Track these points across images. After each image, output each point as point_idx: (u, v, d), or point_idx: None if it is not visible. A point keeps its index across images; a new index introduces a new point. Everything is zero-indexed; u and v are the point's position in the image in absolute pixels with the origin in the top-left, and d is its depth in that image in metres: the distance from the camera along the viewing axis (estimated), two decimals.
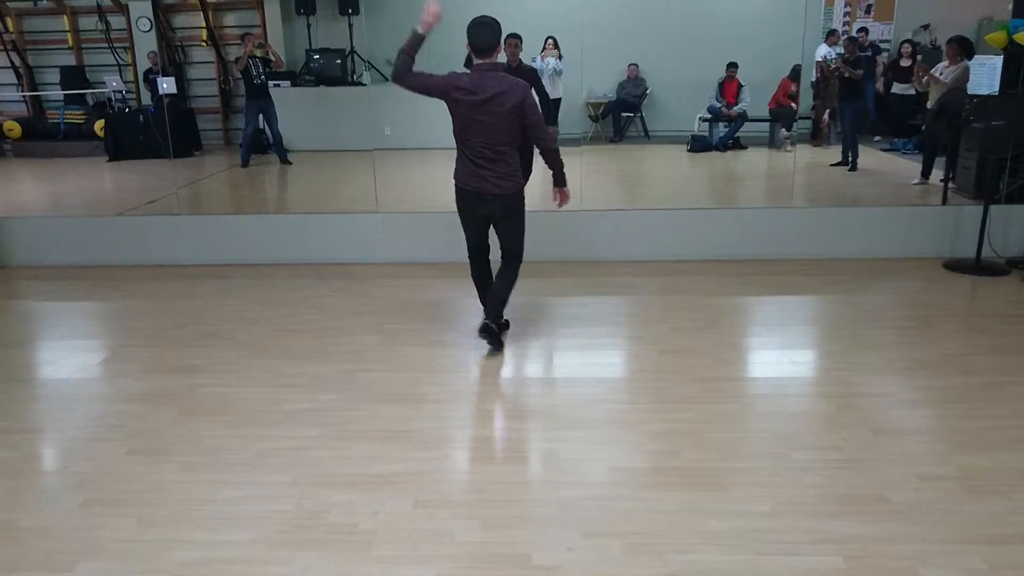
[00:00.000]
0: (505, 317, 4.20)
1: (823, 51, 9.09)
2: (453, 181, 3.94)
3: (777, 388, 3.70)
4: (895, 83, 9.17)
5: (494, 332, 3.98)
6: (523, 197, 3.97)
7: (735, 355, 4.14)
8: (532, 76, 6.69)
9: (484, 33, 3.70)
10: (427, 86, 3.74)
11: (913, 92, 8.86)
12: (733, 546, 2.49)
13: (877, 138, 9.69)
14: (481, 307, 4.19)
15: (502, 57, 6.37)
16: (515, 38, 6.47)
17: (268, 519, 2.69)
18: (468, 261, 4.20)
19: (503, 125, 3.70)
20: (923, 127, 7.85)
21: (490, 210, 3.90)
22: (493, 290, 4.08)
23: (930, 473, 2.89)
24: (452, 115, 3.77)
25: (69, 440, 3.32)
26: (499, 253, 4.10)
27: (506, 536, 2.58)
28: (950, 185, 6.43)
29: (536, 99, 3.78)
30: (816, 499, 2.74)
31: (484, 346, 4.10)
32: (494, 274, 4.16)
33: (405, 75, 3.71)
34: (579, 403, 3.54)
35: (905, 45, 9.28)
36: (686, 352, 4.09)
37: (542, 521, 2.65)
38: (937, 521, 2.60)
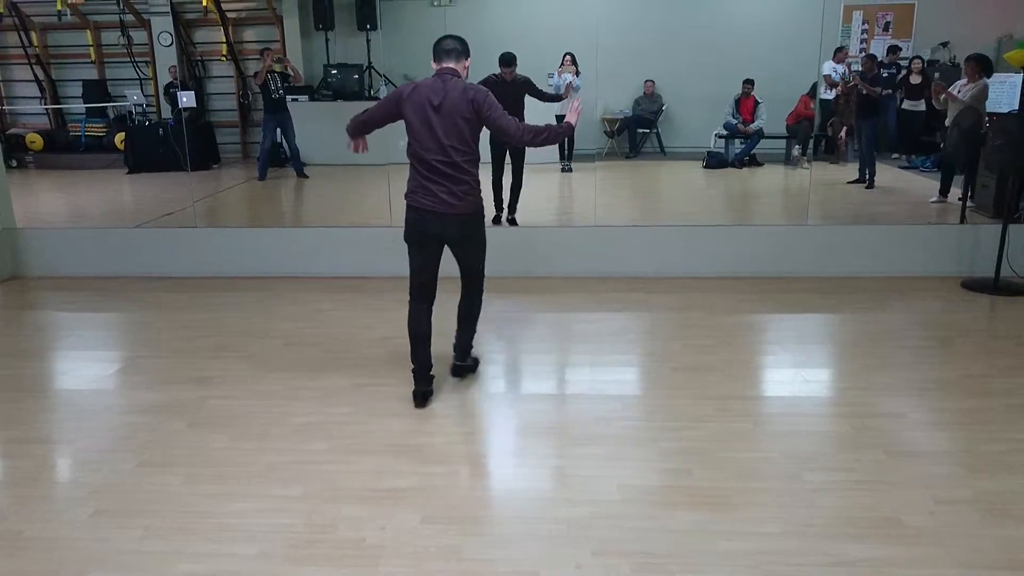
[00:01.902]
0: (474, 355, 3.98)
1: (828, 67, 9.10)
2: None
3: (791, 407, 3.65)
4: (905, 100, 9.14)
5: (465, 369, 3.94)
6: (483, 217, 3.61)
7: (749, 373, 4.10)
8: (526, 82, 6.77)
9: (446, 39, 3.45)
10: (376, 116, 3.56)
11: (923, 108, 8.82)
12: (744, 567, 2.46)
13: (895, 155, 9.64)
14: (411, 367, 3.68)
15: (480, 75, 6.49)
16: (509, 65, 6.54)
17: (276, 533, 2.68)
18: (408, 299, 3.70)
19: (456, 133, 3.34)
20: (942, 145, 7.80)
21: (443, 229, 3.48)
22: (460, 326, 3.83)
23: (946, 496, 2.84)
24: (407, 129, 3.45)
25: (80, 451, 3.33)
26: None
27: (514, 553, 2.56)
28: (968, 203, 6.38)
29: (493, 98, 3.38)
30: (829, 521, 2.70)
31: (494, 360, 4.11)
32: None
33: (355, 126, 3.65)
34: (590, 420, 3.51)
35: (916, 61, 9.25)
36: (699, 370, 4.06)
37: (551, 539, 2.63)
38: (953, 545, 2.55)
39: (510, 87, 6.45)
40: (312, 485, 2.98)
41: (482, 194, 3.57)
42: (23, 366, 4.33)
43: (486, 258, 3.74)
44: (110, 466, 3.16)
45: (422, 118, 3.36)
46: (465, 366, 3.93)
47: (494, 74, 6.57)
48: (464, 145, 3.38)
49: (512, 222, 6.87)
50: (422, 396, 3.67)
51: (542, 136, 3.45)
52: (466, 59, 3.47)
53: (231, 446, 3.32)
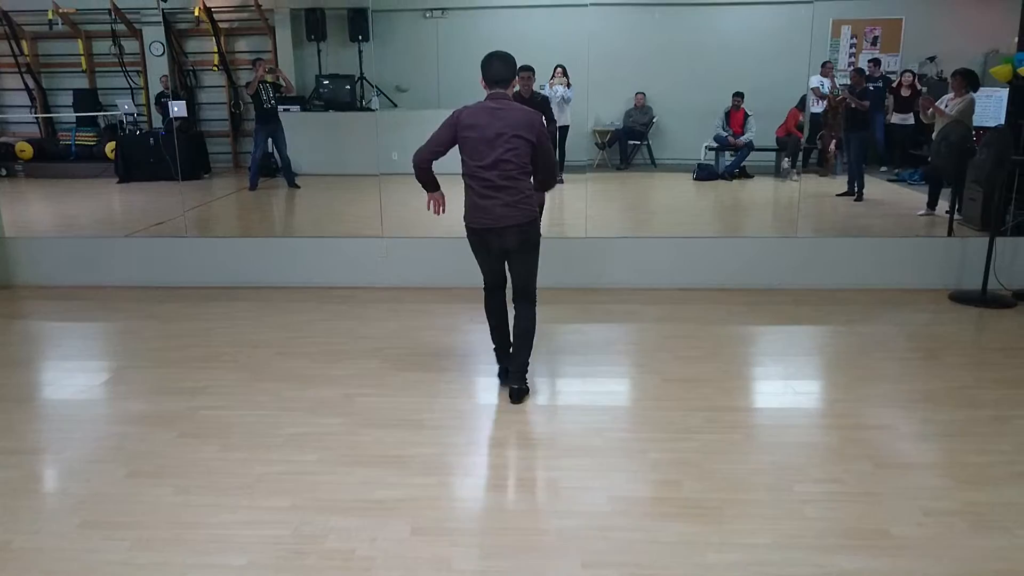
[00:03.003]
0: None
1: (816, 81, 9.18)
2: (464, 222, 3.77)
3: (780, 419, 3.67)
4: (895, 113, 9.22)
5: (524, 392, 3.84)
6: (537, 225, 3.76)
7: (738, 385, 4.11)
8: (544, 105, 6.72)
9: (498, 64, 3.64)
10: (437, 149, 3.65)
11: (912, 122, 8.90)
12: None
13: (883, 168, 9.71)
14: (492, 347, 4.04)
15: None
16: (528, 71, 6.51)
17: (265, 544, 2.67)
18: (483, 291, 3.99)
19: (513, 151, 3.55)
20: (928, 158, 7.88)
21: (503, 241, 3.67)
22: (515, 346, 3.87)
23: (934, 507, 2.86)
24: (461, 148, 3.65)
25: (68, 461, 3.31)
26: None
27: (504, 565, 2.56)
28: (956, 216, 6.44)
29: (547, 133, 3.69)
30: (818, 532, 2.71)
31: (486, 372, 4.12)
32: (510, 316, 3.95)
33: (423, 163, 3.68)
34: (580, 431, 3.52)
35: (906, 75, 9.34)
36: (689, 381, 4.07)
37: (541, 550, 2.63)
38: (941, 556, 2.57)
39: (529, 104, 6.34)
40: (302, 496, 2.98)
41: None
42: (12, 376, 4.30)
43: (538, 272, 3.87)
44: (99, 476, 3.15)
45: (479, 138, 3.55)
46: (522, 389, 3.83)
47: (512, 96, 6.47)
48: (519, 160, 3.57)
49: None
50: (506, 372, 3.90)
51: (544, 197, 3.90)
52: (515, 80, 3.78)
53: (221, 456, 3.30)
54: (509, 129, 3.54)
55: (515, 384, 3.82)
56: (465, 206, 3.73)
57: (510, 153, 3.55)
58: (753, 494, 2.97)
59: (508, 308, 3.94)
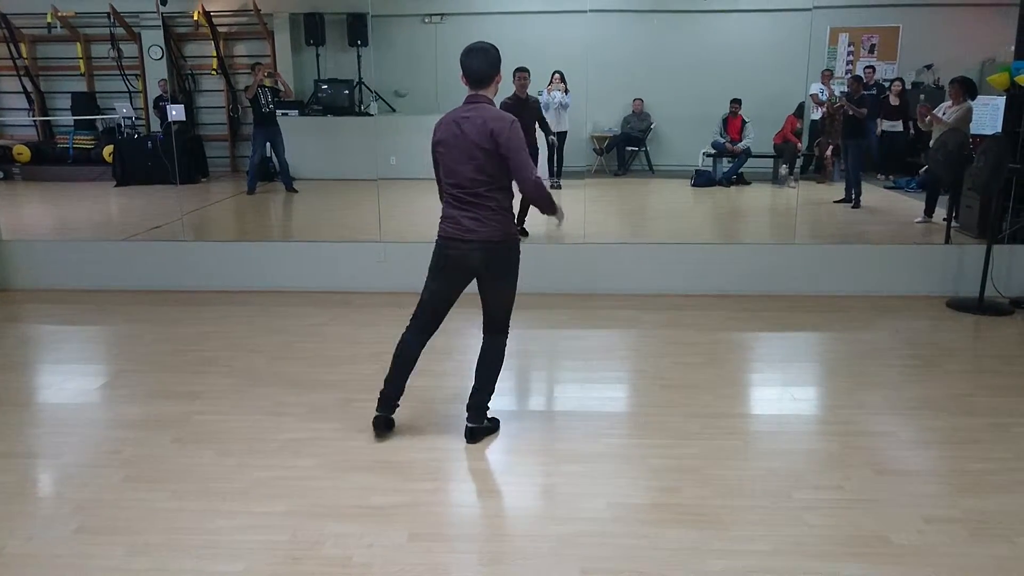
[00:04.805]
0: (493, 415, 3.56)
1: (816, 87, 9.22)
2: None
3: (779, 425, 3.66)
4: (884, 120, 9.25)
5: (481, 432, 3.49)
6: (513, 248, 3.34)
7: (737, 391, 4.11)
8: (535, 109, 6.72)
9: (474, 59, 3.21)
10: (438, 179, 3.39)
11: (900, 129, 8.95)
12: None
13: (880, 176, 9.73)
14: (380, 389, 3.51)
15: (511, 89, 6.48)
16: (523, 71, 6.51)
17: (262, 550, 2.66)
18: (412, 320, 3.47)
19: (475, 161, 3.16)
20: (926, 166, 7.90)
21: (467, 258, 3.26)
22: (475, 380, 3.47)
23: (934, 515, 2.85)
24: (436, 167, 3.35)
25: (64, 466, 3.29)
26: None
27: (502, 571, 2.54)
28: (953, 224, 6.45)
29: (520, 134, 3.19)
30: (818, 539, 2.70)
31: None
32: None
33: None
34: (579, 437, 3.50)
35: (895, 83, 9.38)
36: (688, 387, 4.06)
37: (539, 556, 2.61)
38: (941, 564, 2.56)
39: (525, 108, 6.34)
40: (298, 502, 2.96)
41: (512, 224, 3.34)
42: (7, 379, 4.28)
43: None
44: (95, 481, 3.12)
45: (446, 154, 3.24)
46: (479, 428, 3.48)
47: (508, 98, 6.47)
48: (483, 175, 3.19)
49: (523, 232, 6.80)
50: (385, 424, 3.48)
51: (543, 198, 3.33)
52: (497, 76, 3.28)
53: (217, 462, 3.29)
54: (472, 143, 3.16)
55: (473, 423, 3.47)
56: (441, 214, 3.40)
57: (475, 170, 3.18)
58: (753, 500, 2.96)
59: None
